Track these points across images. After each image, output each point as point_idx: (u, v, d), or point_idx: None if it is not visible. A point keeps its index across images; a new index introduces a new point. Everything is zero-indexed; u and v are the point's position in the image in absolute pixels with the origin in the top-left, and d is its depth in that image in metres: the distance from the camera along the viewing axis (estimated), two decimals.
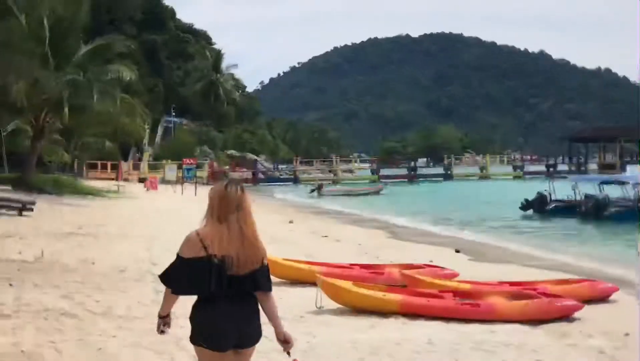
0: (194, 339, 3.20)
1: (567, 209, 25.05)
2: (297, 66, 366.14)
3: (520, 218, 25.32)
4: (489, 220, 24.18)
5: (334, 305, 7.36)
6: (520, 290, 7.92)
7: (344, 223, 22.37)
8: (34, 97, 23.37)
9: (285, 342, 3.28)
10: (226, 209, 3.14)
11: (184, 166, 36.28)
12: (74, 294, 7.64)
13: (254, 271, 3.16)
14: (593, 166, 76.33)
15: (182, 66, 73.70)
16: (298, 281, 8.87)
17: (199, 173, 44.82)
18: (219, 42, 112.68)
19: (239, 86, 77.46)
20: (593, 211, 23.55)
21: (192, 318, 3.19)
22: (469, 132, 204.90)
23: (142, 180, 44.79)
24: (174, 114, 67.55)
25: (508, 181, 64.99)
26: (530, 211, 25.74)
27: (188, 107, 71.42)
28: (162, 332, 3.35)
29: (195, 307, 3.19)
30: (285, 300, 7.72)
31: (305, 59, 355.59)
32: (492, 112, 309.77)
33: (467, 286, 8.27)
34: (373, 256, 13.18)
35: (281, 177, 68.61)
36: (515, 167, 73.45)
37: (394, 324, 6.84)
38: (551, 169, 73.91)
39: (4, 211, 16.98)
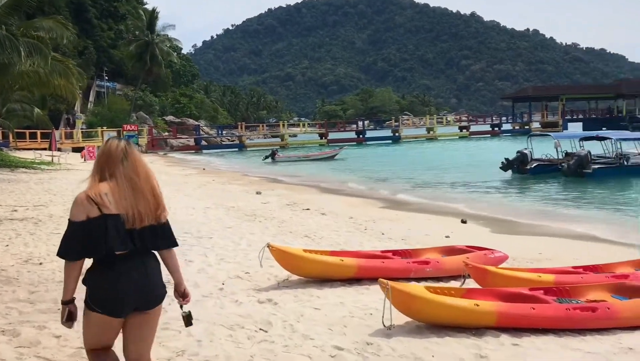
0: (86, 303, 2.97)
1: (548, 168, 23.84)
2: (230, 28, 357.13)
3: (504, 179, 23.79)
4: (472, 184, 22.59)
5: (402, 318, 5.27)
6: (630, 282, 6.09)
7: (318, 192, 20.29)
8: None
9: (183, 296, 3.27)
10: (112, 165, 3.00)
11: (125, 133, 33.09)
12: (21, 326, 4.92)
13: (154, 227, 3.03)
14: (536, 125, 77.15)
15: (113, 26, 68.57)
16: (327, 279, 6.74)
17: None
18: (150, 3, 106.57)
19: (175, 48, 72.94)
20: (575, 169, 22.40)
21: (86, 281, 2.99)
22: (405, 94, 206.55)
23: (76, 149, 41.07)
24: (106, 78, 62.84)
25: (456, 141, 64.52)
26: (509, 172, 24.28)
27: (121, 70, 66.76)
28: (68, 322, 3.05)
29: (90, 270, 2.98)
30: (331, 312, 5.61)
31: (238, 21, 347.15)
32: (426, 74, 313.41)
33: (550, 278, 6.35)
34: (377, 233, 11.22)
35: (223, 143, 65.58)
36: (461, 128, 73.09)
37: (510, 350, 4.81)
38: (496, 129, 74.14)
39: None
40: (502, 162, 24.36)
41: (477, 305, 5.10)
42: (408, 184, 23.03)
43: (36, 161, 27.38)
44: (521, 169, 24.07)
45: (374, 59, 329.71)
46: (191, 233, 10.05)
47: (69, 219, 2.95)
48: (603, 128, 53.46)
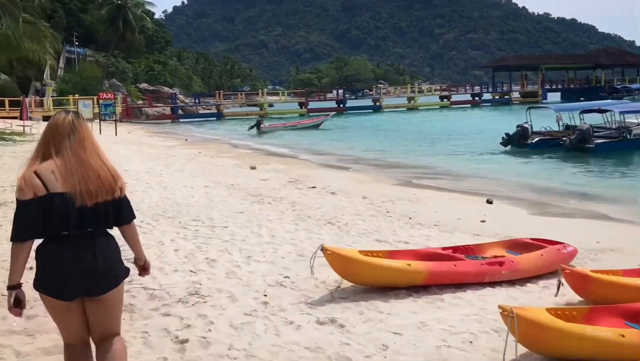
0: (35, 284, 2.86)
1: (549, 142, 22.89)
2: None
3: (506, 153, 22.77)
4: (475, 158, 21.54)
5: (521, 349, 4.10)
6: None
7: (317, 167, 19.05)
8: None
9: (144, 269, 3.18)
10: (59, 140, 2.82)
11: (101, 102, 31.09)
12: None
13: (108, 203, 2.84)
14: (515, 94, 76.62)
15: None
16: (390, 287, 5.55)
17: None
18: None
19: (147, 12, 69.94)
20: (577, 143, 21.51)
21: (36, 260, 2.84)
22: (379, 63, 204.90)
23: (47, 118, 38.87)
24: (77, 43, 59.89)
25: (437, 111, 63.54)
26: (509, 147, 23.26)
27: (92, 35, 63.73)
28: (15, 309, 2.82)
29: (37, 249, 2.83)
30: (419, 340, 4.43)
31: None
32: (399, 43, 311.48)
33: None
34: (403, 217, 10.09)
35: (200, 112, 63.53)
36: (442, 97, 72.13)
37: None
38: (477, 98, 73.38)
39: None
40: (503, 137, 23.33)
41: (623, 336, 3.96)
42: (408, 157, 21.94)
43: (6, 131, 25.50)
44: (521, 144, 23.08)
45: (347, 27, 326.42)
46: (201, 220, 8.76)
47: (16, 199, 2.78)
48: (581, 98, 52.88)
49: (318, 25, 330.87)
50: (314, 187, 13.62)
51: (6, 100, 39.21)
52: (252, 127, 37.60)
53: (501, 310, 3.93)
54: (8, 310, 2.85)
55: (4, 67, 34.26)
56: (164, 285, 5.53)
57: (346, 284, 5.65)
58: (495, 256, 6.45)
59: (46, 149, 2.83)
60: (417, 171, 18.38)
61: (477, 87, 79.77)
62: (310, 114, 57.64)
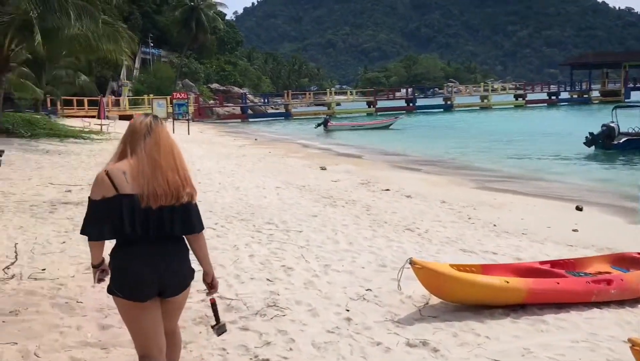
0: (109, 287, 2.84)
1: (638, 143, 21.41)
2: None
3: (591, 155, 21.43)
4: (557, 160, 20.40)
5: None
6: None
7: (389, 168, 18.54)
8: None
9: (212, 287, 3.09)
10: (135, 140, 2.81)
11: (175, 101, 31.68)
12: None
13: (172, 208, 2.77)
14: (595, 93, 73.12)
15: None
16: (485, 305, 5.03)
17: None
18: None
19: (219, 13, 71.18)
20: None
21: (109, 265, 2.86)
22: (450, 61, 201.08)
23: (124, 117, 40.09)
24: (152, 44, 61.68)
25: (511, 110, 61.44)
26: (592, 148, 21.91)
27: (166, 37, 65.49)
28: (100, 280, 2.94)
29: (111, 253, 2.82)
30: None
31: None
32: (470, 41, 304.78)
33: None
34: (487, 224, 9.47)
35: (268, 112, 64.06)
36: (517, 96, 69.71)
37: None
38: (553, 97, 70.53)
39: None
40: (586, 137, 22.00)
41: None
42: (484, 158, 21.04)
43: (85, 130, 26.28)
44: (607, 145, 21.69)
45: (417, 24, 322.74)
46: (275, 223, 8.47)
47: (88, 197, 2.80)
48: None
49: (386, 23, 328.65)
50: (387, 190, 13.15)
51: (85, 99, 40.70)
52: (319, 125, 37.40)
53: (631, 344, 3.36)
54: (94, 283, 3.00)
55: (84, 68, 35.51)
56: (241, 295, 5.23)
57: (434, 300, 5.18)
58: (601, 273, 5.81)
59: (123, 149, 2.84)
60: (494, 174, 17.54)
61: (553, 86, 76.65)
62: (379, 113, 57.01)
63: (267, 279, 5.72)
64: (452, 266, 5.19)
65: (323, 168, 17.49)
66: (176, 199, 2.78)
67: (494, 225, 9.46)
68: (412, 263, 4.91)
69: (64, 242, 6.90)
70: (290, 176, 15.04)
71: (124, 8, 50.20)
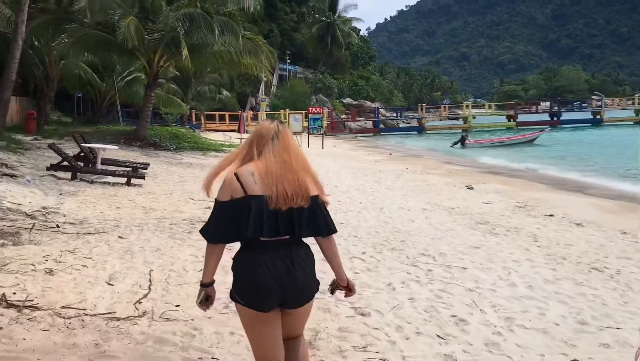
0: (231, 293, 2.76)
1: None
2: (404, 9, 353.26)
3: None
4: None
5: None
6: None
7: (546, 189, 16.54)
8: (144, 36, 19.26)
9: (348, 289, 2.92)
10: (263, 142, 2.76)
11: (310, 116, 31.60)
12: None
13: (301, 210, 2.66)
14: None
15: (296, 9, 68.73)
16: None
17: None
18: None
19: (354, 29, 71.44)
20: None
21: (233, 269, 2.76)
22: (594, 72, 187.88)
23: None
24: (288, 61, 63.08)
25: None
26: None
27: (302, 53, 66.80)
28: (203, 305, 2.82)
29: (235, 257, 2.76)
30: None
31: (413, 1, 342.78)
32: (618, 51, 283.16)
33: None
34: None
35: (400, 126, 62.85)
36: None
37: None
38: None
39: (109, 179, 12.87)
40: None
41: None
42: None
43: (226, 144, 26.83)
44: None
45: (557, 35, 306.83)
46: (431, 255, 7.32)
47: (215, 198, 2.72)
48: None
49: (524, 34, 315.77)
50: (551, 215, 11.46)
51: (226, 114, 42.12)
52: (455, 143, 35.50)
53: None
54: (197, 303, 2.85)
55: (225, 84, 36.66)
56: (408, 357, 4.15)
57: None
58: None
59: (249, 151, 2.78)
60: None
61: None
62: (520, 127, 53.67)
63: (438, 336, 4.58)
64: None
65: (470, 187, 16.00)
66: (306, 201, 2.69)
67: None
68: None
69: (200, 270, 6.23)
70: (434, 196, 13.80)
71: (264, 27, 51.81)
